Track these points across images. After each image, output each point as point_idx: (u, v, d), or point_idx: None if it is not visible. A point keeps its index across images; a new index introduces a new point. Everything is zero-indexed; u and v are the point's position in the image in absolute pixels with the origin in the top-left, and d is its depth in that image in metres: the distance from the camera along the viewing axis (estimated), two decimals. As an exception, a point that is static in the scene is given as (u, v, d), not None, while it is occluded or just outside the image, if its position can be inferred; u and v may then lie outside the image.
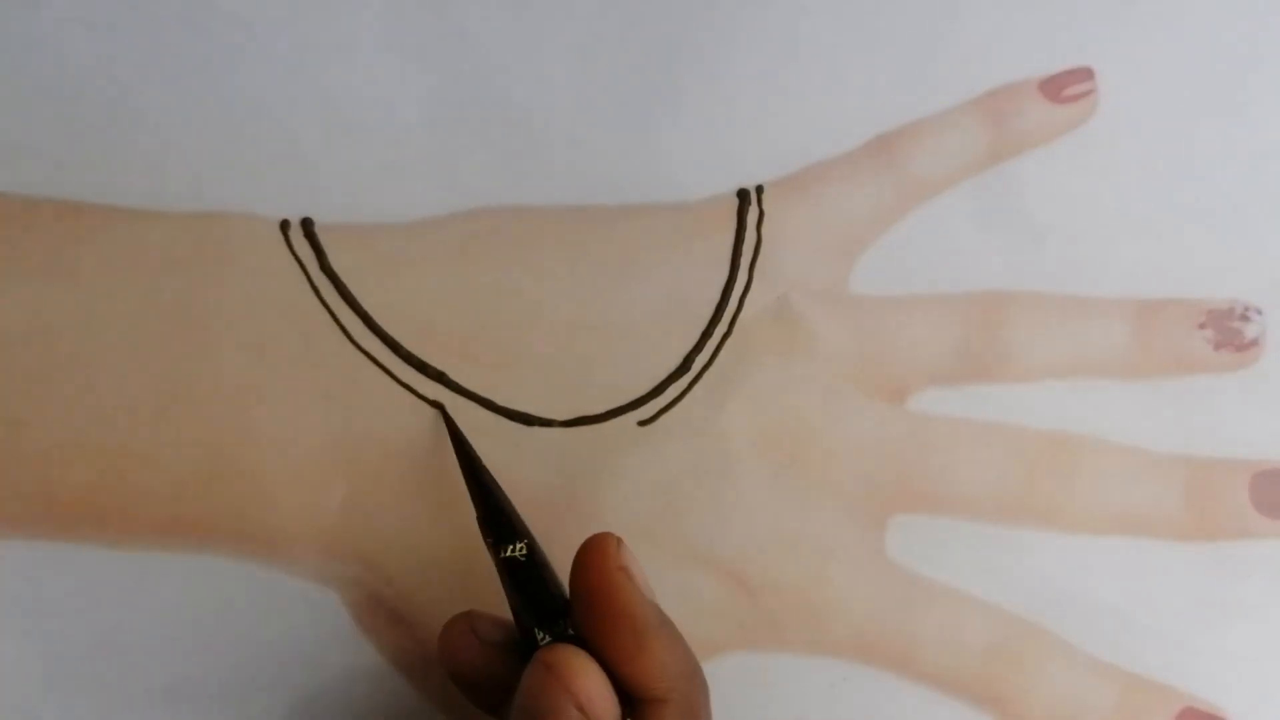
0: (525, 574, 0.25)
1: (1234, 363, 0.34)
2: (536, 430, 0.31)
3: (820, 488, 0.33)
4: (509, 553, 0.26)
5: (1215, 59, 0.35)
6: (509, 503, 0.27)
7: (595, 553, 0.24)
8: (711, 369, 0.33)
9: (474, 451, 0.29)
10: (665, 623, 0.24)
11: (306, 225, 0.31)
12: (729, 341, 0.33)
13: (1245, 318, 0.35)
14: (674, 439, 0.32)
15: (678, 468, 0.32)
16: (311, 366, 0.31)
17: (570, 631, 0.24)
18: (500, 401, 0.31)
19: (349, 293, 0.31)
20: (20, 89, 0.31)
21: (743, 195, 0.33)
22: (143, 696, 0.29)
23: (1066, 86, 0.35)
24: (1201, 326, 0.34)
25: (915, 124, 0.34)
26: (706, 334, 0.33)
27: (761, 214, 0.33)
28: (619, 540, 0.24)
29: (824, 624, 0.32)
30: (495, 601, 0.30)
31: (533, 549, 0.26)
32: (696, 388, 0.32)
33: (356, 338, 0.31)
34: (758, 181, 0.33)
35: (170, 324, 0.30)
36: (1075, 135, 0.35)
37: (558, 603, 0.25)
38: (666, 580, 0.31)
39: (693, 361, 0.33)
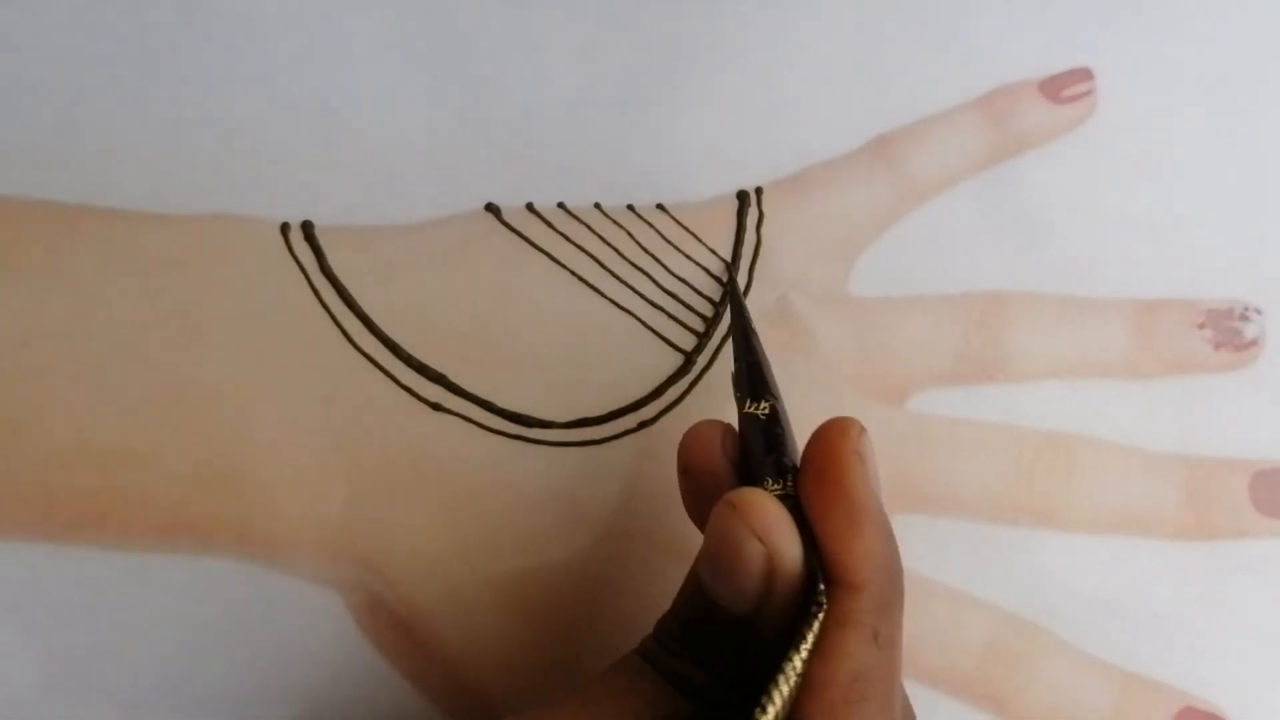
0: (762, 430, 0.26)
1: (1233, 362, 0.35)
2: (537, 431, 0.31)
3: (820, 488, 0.33)
4: (752, 409, 0.26)
5: (1215, 59, 0.35)
6: (768, 366, 0.28)
7: (835, 429, 0.24)
8: (712, 370, 0.33)
9: (749, 317, 0.30)
10: (882, 515, 0.23)
11: (306, 228, 0.31)
12: (729, 343, 0.33)
13: (1245, 318, 0.35)
14: (675, 440, 0.32)
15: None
16: (312, 369, 0.31)
17: (792, 492, 0.24)
18: (501, 403, 0.31)
19: (349, 295, 0.31)
20: (20, 91, 0.31)
21: (742, 197, 0.33)
22: (144, 699, 0.29)
23: (1066, 86, 0.35)
24: (1201, 326, 0.35)
25: (915, 124, 0.34)
26: (706, 335, 0.33)
27: (761, 215, 0.33)
28: (862, 429, 0.24)
29: (824, 624, 0.32)
30: (495, 600, 0.30)
31: (776, 410, 0.26)
32: (697, 388, 0.33)
33: (357, 340, 0.31)
34: (757, 183, 0.33)
35: (170, 327, 0.30)
36: (1075, 135, 0.35)
37: (786, 463, 0.25)
38: (667, 581, 0.31)
39: (693, 362, 0.33)
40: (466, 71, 0.32)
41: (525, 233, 0.32)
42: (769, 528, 0.22)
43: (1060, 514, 0.33)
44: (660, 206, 0.33)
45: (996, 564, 0.33)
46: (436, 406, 0.31)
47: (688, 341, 0.33)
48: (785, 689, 0.21)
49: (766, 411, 0.26)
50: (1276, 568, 0.34)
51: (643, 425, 0.32)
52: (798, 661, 0.21)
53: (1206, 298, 0.35)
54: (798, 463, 0.25)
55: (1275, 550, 0.34)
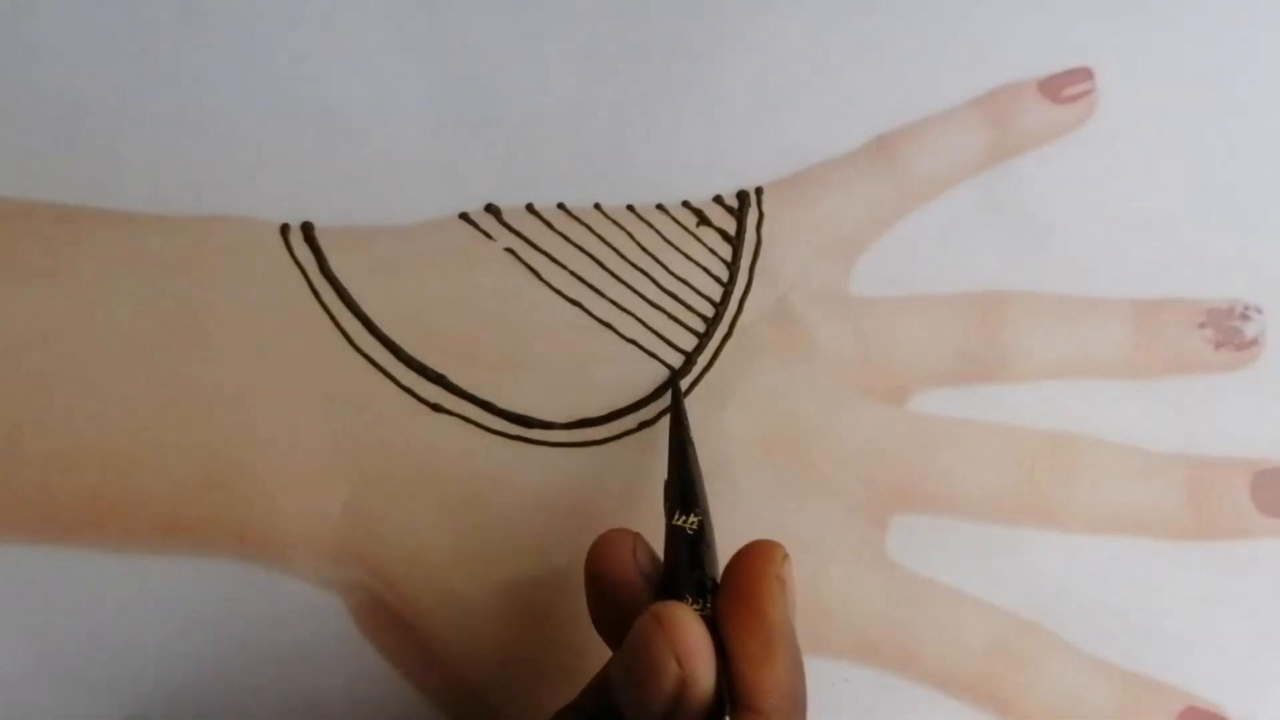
0: (689, 545, 0.26)
1: (1234, 362, 0.35)
2: (537, 432, 0.31)
3: (821, 488, 0.33)
4: (680, 521, 0.26)
5: (1215, 59, 0.35)
6: (700, 479, 0.28)
7: (761, 554, 0.24)
8: (712, 370, 0.33)
9: (688, 426, 0.30)
10: (794, 643, 0.24)
11: (306, 229, 0.31)
12: (729, 343, 0.33)
13: (1245, 317, 0.35)
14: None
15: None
16: (312, 370, 0.31)
17: (709, 612, 0.24)
18: (501, 404, 0.31)
19: (349, 296, 0.31)
20: (20, 93, 0.31)
21: (742, 197, 0.33)
22: (144, 700, 0.29)
23: (1066, 86, 0.35)
24: (1201, 326, 0.35)
25: (915, 124, 0.34)
26: (707, 335, 0.33)
27: (761, 215, 0.33)
28: (785, 554, 0.25)
29: (824, 624, 0.32)
30: (495, 600, 0.30)
31: (704, 526, 0.26)
32: (697, 389, 0.32)
33: (357, 341, 0.31)
34: (757, 183, 0.33)
35: (170, 328, 0.30)
36: (1075, 135, 0.35)
37: (707, 583, 0.25)
38: (667, 581, 0.31)
39: (693, 362, 0.33)
40: (466, 72, 0.32)
41: (525, 233, 0.32)
42: (691, 652, 0.22)
43: (1061, 514, 0.33)
44: (660, 206, 0.33)
45: (997, 564, 0.33)
46: (436, 407, 0.31)
47: (688, 341, 0.33)
48: None
49: (695, 527, 0.26)
50: (1278, 567, 0.34)
51: (643, 425, 0.32)
52: None
53: (1206, 297, 0.35)
54: (718, 578, 0.25)
55: (1277, 550, 0.34)
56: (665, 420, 0.32)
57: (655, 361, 0.32)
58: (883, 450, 0.33)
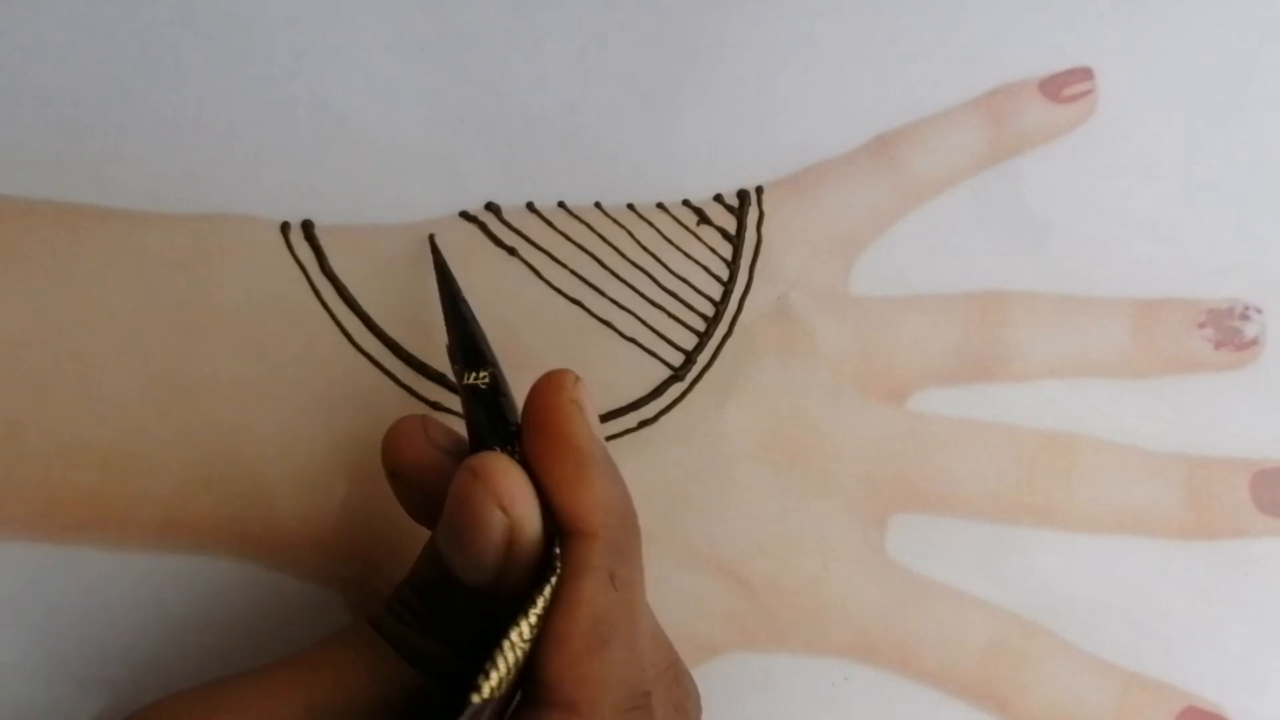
0: (485, 401, 0.25)
1: (1234, 362, 0.35)
2: (537, 431, 0.31)
3: (821, 488, 0.33)
4: (471, 379, 0.26)
5: (1215, 59, 0.35)
6: (481, 333, 0.27)
7: (550, 382, 0.23)
8: (712, 369, 0.33)
9: (455, 280, 0.29)
10: (607, 460, 0.23)
11: (307, 227, 0.31)
12: (729, 342, 0.33)
13: (1245, 317, 0.35)
14: (675, 440, 0.32)
15: (678, 468, 0.32)
16: (312, 368, 0.31)
17: (520, 457, 0.23)
18: (501, 403, 0.31)
19: (349, 295, 0.31)
20: (20, 91, 0.31)
21: (742, 196, 0.33)
22: (144, 699, 0.29)
23: (1066, 86, 0.35)
24: (1201, 326, 0.35)
25: (915, 124, 0.34)
26: (707, 334, 0.33)
27: (761, 214, 0.33)
28: (577, 377, 0.24)
29: (824, 624, 0.32)
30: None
31: (496, 379, 0.26)
32: (697, 388, 0.32)
33: (357, 339, 0.31)
34: (758, 182, 0.33)
35: (170, 326, 0.30)
36: (1075, 135, 0.35)
37: (512, 430, 0.24)
38: (667, 581, 0.31)
39: (693, 362, 0.33)
40: (467, 72, 0.32)
41: (526, 231, 0.32)
42: (512, 495, 0.22)
43: (1061, 513, 0.33)
44: (661, 205, 0.33)
45: (997, 564, 0.33)
46: (436, 406, 0.31)
47: (688, 341, 0.33)
48: (511, 656, 0.21)
49: (487, 381, 0.25)
50: (1278, 566, 0.34)
51: (643, 425, 0.32)
52: (525, 627, 0.21)
53: (1206, 297, 0.35)
54: (520, 424, 0.24)
55: (1276, 549, 0.34)
56: (666, 419, 0.32)
57: (655, 360, 0.32)
58: (883, 449, 0.33)
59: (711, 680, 0.25)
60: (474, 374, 0.26)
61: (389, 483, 0.26)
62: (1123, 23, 0.35)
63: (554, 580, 0.22)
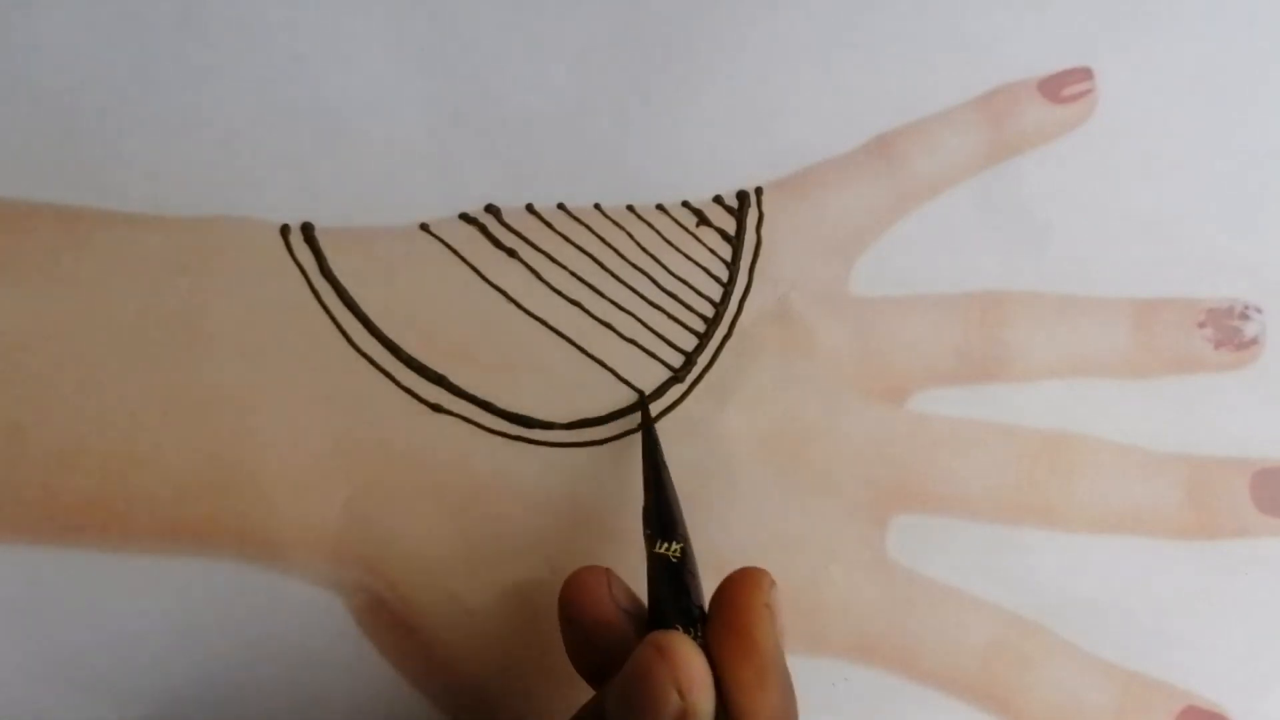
0: (673, 574, 0.26)
1: (1234, 361, 0.35)
2: (538, 432, 0.31)
3: (821, 488, 0.33)
4: (663, 549, 0.26)
5: (1215, 59, 0.35)
6: (678, 504, 0.28)
7: (748, 582, 0.24)
8: (712, 370, 0.33)
9: (660, 450, 0.30)
10: (787, 674, 0.24)
11: (307, 230, 0.31)
12: (729, 343, 0.33)
13: (1245, 316, 0.35)
14: (675, 440, 0.32)
15: (679, 469, 0.32)
16: (312, 370, 0.31)
17: (701, 641, 0.24)
18: (501, 404, 0.31)
19: (349, 297, 0.31)
20: (20, 94, 0.31)
21: (742, 197, 0.33)
22: (145, 700, 0.29)
23: (1066, 86, 0.35)
24: (1201, 325, 0.35)
25: (915, 124, 0.34)
26: (707, 336, 0.33)
27: (761, 215, 0.33)
28: (773, 581, 0.25)
29: (824, 624, 0.32)
30: (496, 601, 0.30)
31: (686, 554, 0.26)
32: (697, 389, 0.33)
33: (357, 342, 0.31)
34: (757, 182, 0.33)
35: (171, 329, 0.30)
36: (1075, 135, 0.35)
37: (695, 611, 0.25)
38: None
39: (693, 362, 0.33)
40: (466, 72, 0.32)
41: (525, 233, 0.32)
42: (693, 683, 0.22)
43: (1061, 514, 0.33)
44: (660, 206, 0.33)
45: (997, 564, 0.33)
46: (437, 407, 0.31)
47: (688, 341, 0.33)
48: None
49: (678, 555, 0.26)
50: (1278, 566, 0.34)
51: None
52: None
53: (1206, 297, 0.35)
54: (704, 606, 0.25)
55: (1277, 549, 0.34)
56: (666, 419, 0.32)
57: (655, 362, 0.32)
58: (883, 450, 0.33)
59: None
60: (666, 544, 0.26)
61: (561, 626, 0.26)
62: (1123, 23, 0.35)
63: None
